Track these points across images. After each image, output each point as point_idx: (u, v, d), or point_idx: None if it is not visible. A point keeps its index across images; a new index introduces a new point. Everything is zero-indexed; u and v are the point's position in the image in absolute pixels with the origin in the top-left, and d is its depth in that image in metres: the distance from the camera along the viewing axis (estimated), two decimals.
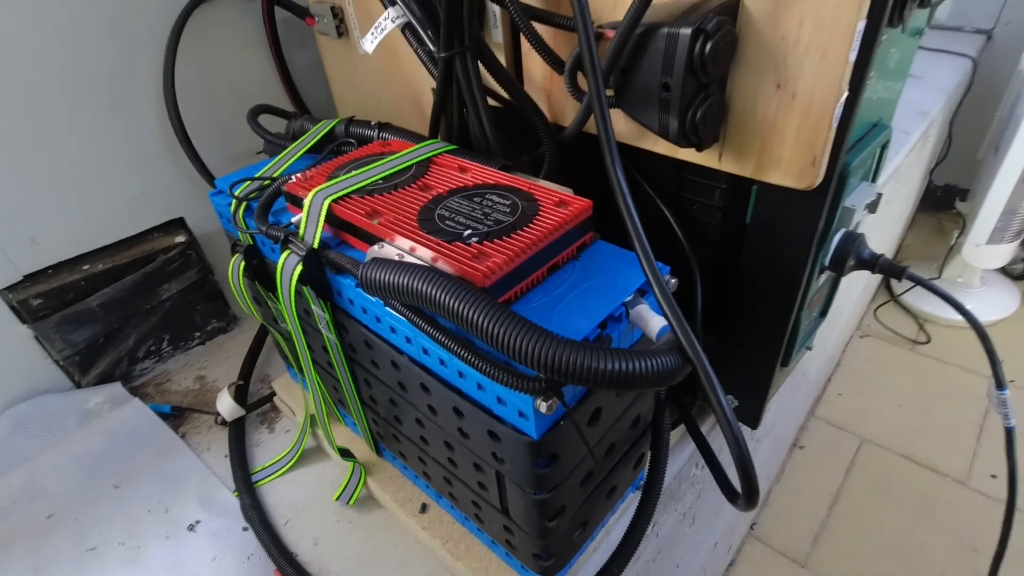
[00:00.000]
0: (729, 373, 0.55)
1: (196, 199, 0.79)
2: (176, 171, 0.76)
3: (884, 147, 0.46)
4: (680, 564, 0.77)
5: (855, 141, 0.42)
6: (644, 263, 0.32)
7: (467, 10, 0.45)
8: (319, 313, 0.46)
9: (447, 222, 0.38)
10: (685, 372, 0.30)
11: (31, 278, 0.68)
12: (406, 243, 0.36)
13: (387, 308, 0.38)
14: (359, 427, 0.58)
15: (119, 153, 0.71)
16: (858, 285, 1.44)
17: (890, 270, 0.47)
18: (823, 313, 0.58)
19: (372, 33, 0.55)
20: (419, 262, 0.34)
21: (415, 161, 0.46)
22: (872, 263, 0.48)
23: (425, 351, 0.38)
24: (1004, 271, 1.81)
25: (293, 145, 0.55)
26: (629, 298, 0.36)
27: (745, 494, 0.30)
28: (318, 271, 0.42)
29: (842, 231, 0.48)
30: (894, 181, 1.20)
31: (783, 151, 0.38)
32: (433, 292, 0.31)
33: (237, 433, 0.68)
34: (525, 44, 0.51)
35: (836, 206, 0.42)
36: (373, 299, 0.39)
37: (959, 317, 1.77)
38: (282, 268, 0.43)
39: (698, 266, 0.51)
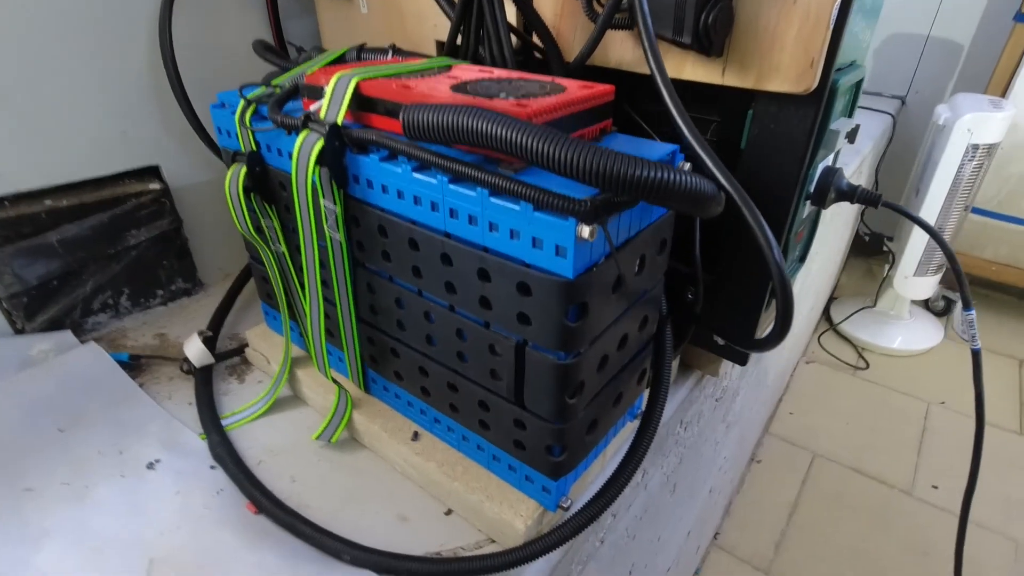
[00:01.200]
0: (720, 310, 0.57)
1: (175, 150, 0.76)
2: (157, 119, 0.74)
3: (859, 84, 0.51)
4: (661, 537, 0.76)
5: (838, 69, 0.47)
6: (673, 109, 0.34)
7: None
8: (329, 208, 0.46)
9: (480, 92, 0.39)
10: (720, 201, 0.32)
11: None
12: None
13: (415, 175, 0.38)
14: (348, 360, 0.56)
15: (99, 90, 0.68)
16: (803, 308, 1.53)
17: (867, 199, 0.52)
18: (802, 258, 0.61)
19: None
20: None
21: (437, 65, 0.48)
22: (851, 193, 0.52)
23: (453, 213, 0.38)
24: (928, 307, 1.98)
25: (303, 66, 0.56)
26: None
27: (781, 317, 0.31)
28: (339, 150, 0.42)
29: (823, 165, 0.52)
30: (833, 216, 1.31)
31: (783, 57, 0.42)
32: (483, 123, 0.32)
33: (204, 379, 0.63)
34: None
35: (826, 121, 0.46)
36: (398, 169, 0.40)
37: (894, 345, 1.89)
38: (299, 149, 0.43)
39: None
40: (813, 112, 0.45)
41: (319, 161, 0.42)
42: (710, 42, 0.43)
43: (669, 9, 0.43)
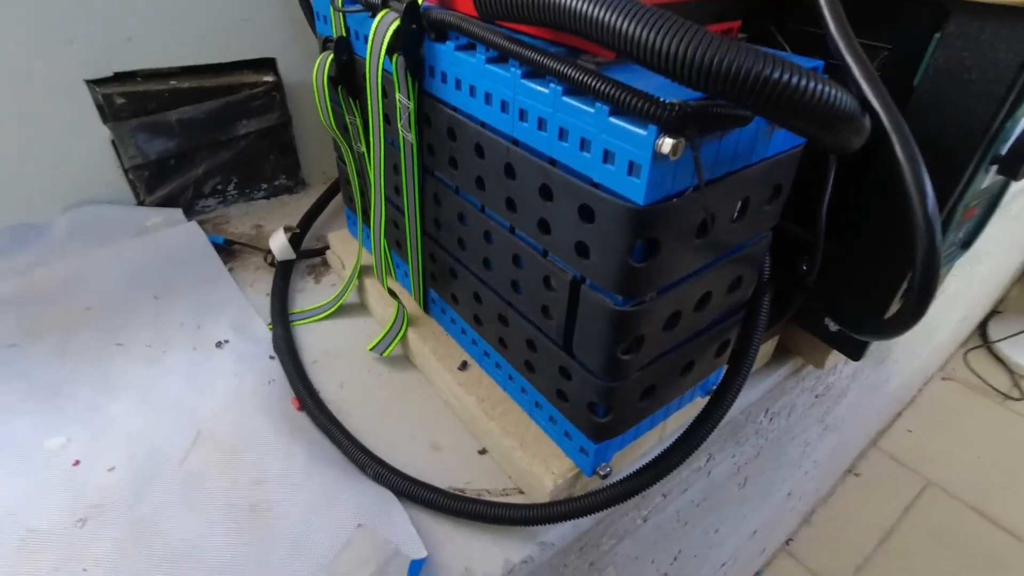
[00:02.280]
0: (841, 288, 0.47)
1: (292, 44, 0.77)
2: (278, 10, 0.74)
3: None
4: (720, 530, 0.69)
5: None
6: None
7: None
8: (403, 103, 0.42)
9: None
10: (862, 127, 0.24)
11: (120, 78, 0.67)
12: None
13: (489, 66, 0.33)
14: (411, 274, 0.54)
15: None
16: (953, 315, 1.30)
17: None
18: (966, 244, 0.49)
19: None
20: None
21: None
22: None
23: (523, 115, 0.32)
24: None
25: None
26: None
27: (918, 294, 0.23)
28: (416, 34, 0.38)
29: None
30: (1022, 211, 1.06)
31: None
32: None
33: (283, 273, 0.65)
34: None
35: None
36: (472, 59, 0.34)
37: None
38: (375, 30, 0.39)
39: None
40: None
41: (393, 46, 0.38)
42: None
43: None
